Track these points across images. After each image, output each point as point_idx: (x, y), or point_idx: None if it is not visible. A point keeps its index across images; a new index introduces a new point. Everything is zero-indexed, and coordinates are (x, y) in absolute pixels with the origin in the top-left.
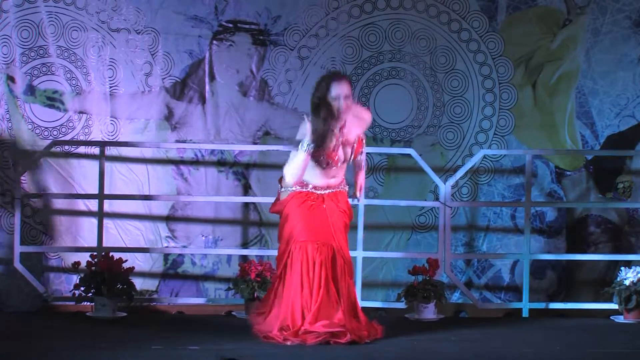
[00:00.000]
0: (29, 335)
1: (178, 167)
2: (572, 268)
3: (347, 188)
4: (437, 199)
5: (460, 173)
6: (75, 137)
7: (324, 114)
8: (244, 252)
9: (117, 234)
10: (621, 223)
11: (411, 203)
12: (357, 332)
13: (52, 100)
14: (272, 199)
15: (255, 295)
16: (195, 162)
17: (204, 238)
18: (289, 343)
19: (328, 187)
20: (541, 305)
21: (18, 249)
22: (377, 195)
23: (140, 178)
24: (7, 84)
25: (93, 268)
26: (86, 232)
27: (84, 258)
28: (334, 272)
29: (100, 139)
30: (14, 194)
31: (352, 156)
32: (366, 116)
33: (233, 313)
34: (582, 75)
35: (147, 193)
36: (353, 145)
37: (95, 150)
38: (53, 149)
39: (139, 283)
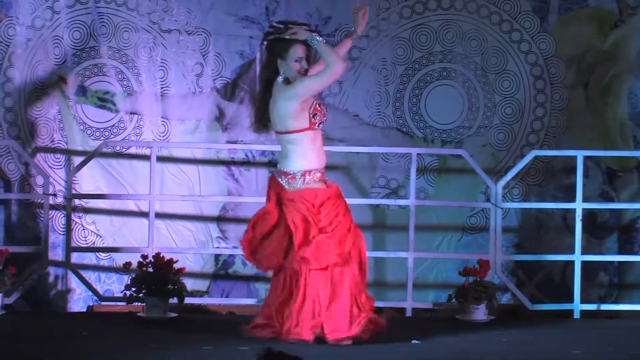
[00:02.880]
0: (80, 335)
1: (229, 167)
2: (624, 269)
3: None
4: (488, 200)
5: (511, 174)
6: (127, 138)
7: None
8: None
9: (168, 235)
10: None
11: (462, 204)
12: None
13: (104, 101)
14: None
15: None
16: (246, 163)
17: None
18: None
19: None
20: (593, 307)
21: (70, 249)
22: (428, 196)
23: (191, 179)
24: (59, 85)
25: (144, 268)
26: (137, 232)
27: (135, 258)
28: None
29: (151, 140)
30: (65, 195)
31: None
32: None
33: None
34: (634, 76)
35: (198, 194)
36: None
37: (146, 151)
38: (104, 150)
39: (190, 284)
